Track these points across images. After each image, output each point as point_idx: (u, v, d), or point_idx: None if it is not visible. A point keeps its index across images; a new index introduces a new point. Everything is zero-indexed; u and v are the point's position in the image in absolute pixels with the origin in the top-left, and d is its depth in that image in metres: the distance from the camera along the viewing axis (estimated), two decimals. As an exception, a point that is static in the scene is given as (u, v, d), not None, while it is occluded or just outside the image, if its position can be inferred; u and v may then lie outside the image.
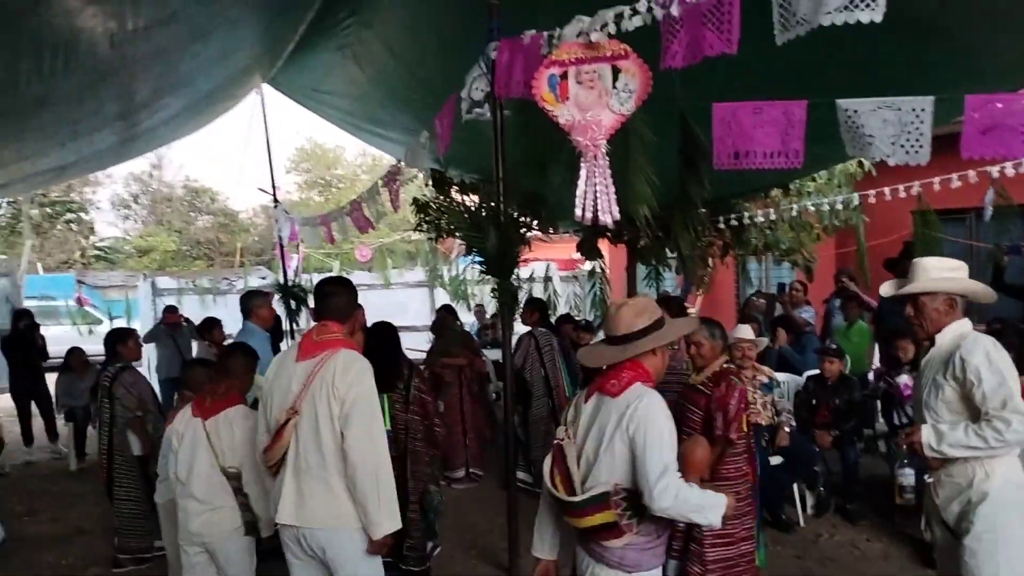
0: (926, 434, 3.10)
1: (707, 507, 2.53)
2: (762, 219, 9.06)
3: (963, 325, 3.24)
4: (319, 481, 3.05)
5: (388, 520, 3.05)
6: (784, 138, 3.57)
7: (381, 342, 4.49)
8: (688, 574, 3.89)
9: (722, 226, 9.17)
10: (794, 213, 9.22)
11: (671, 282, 11.86)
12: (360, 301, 3.59)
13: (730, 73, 3.64)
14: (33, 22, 3.95)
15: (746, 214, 9.03)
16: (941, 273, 3.29)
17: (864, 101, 3.44)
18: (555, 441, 2.76)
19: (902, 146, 3.36)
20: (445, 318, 8.26)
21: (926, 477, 3.37)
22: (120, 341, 5.75)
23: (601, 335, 2.90)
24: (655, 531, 2.64)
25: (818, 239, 10.14)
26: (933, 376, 3.21)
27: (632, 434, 2.50)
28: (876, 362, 7.88)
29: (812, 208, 9.27)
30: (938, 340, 3.25)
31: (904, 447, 3.29)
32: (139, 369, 5.99)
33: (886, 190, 7.45)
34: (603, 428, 2.59)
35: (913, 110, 3.38)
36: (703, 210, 7.46)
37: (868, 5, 2.56)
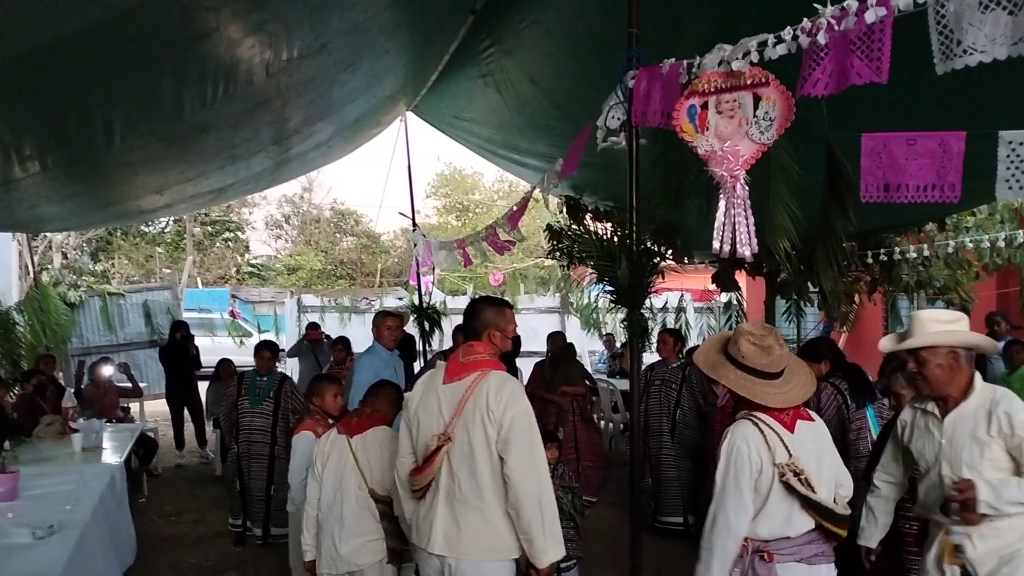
0: (984, 492, 2.90)
1: None
2: (914, 255, 8.53)
3: (979, 378, 3.12)
4: (475, 512, 2.95)
5: (554, 547, 2.92)
6: (940, 171, 3.35)
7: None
8: None
9: (870, 261, 8.72)
10: (950, 249, 8.66)
11: (813, 318, 11.37)
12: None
13: (879, 101, 3.46)
14: (198, 53, 4.25)
15: (897, 249, 8.54)
16: (939, 326, 3.08)
17: (1032, 132, 3.20)
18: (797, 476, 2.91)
19: (1075, 181, 3.09)
20: (568, 349, 8.12)
21: (945, 535, 3.16)
22: (255, 353, 6.53)
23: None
24: None
25: (977, 278, 9.47)
26: (972, 434, 3.03)
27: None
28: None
29: (971, 244, 8.68)
30: (971, 397, 3.08)
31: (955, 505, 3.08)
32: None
33: (1056, 227, 6.90)
34: (819, 451, 2.99)
35: (1089, 142, 3.11)
36: (849, 243, 7.10)
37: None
